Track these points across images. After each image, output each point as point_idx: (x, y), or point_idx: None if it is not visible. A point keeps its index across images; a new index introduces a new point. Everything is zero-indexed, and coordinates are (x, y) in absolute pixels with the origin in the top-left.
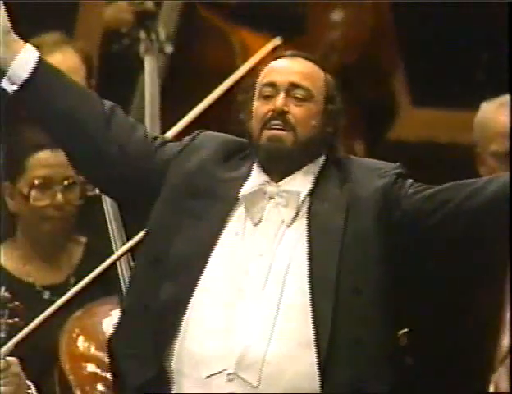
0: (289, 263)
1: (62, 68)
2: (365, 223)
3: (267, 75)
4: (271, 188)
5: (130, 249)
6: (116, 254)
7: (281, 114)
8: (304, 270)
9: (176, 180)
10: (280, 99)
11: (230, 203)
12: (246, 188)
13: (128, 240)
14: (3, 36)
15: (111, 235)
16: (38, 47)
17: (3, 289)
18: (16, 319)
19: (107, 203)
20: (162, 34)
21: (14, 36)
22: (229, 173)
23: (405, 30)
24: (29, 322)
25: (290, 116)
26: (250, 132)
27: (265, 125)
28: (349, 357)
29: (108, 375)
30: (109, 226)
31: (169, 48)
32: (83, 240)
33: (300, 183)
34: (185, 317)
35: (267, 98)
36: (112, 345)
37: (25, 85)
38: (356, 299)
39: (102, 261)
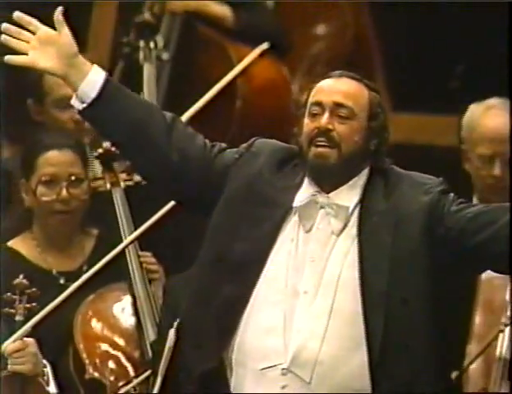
0: (340, 270)
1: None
2: (411, 238)
3: (315, 94)
4: (321, 199)
5: (137, 239)
6: (125, 241)
7: (325, 132)
8: (354, 279)
9: (236, 184)
10: (325, 118)
11: (286, 211)
12: (299, 198)
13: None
14: (72, 59)
15: (121, 229)
16: None
17: (22, 276)
18: (34, 304)
19: (118, 199)
20: (161, 43)
21: (81, 58)
22: (284, 181)
23: (385, 44)
24: (47, 305)
25: (334, 134)
26: (301, 145)
27: (311, 141)
28: (397, 362)
29: (119, 354)
30: (119, 220)
31: (166, 55)
32: (95, 232)
33: (348, 196)
34: (246, 313)
35: (314, 116)
36: (176, 337)
37: (94, 103)
38: (404, 308)
39: (112, 250)
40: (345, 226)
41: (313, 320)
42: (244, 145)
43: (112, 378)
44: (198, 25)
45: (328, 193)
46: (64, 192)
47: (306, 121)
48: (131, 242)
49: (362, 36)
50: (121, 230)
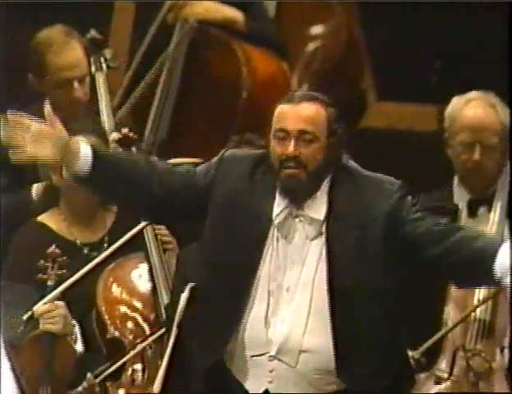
0: (315, 271)
1: (71, 61)
2: (375, 239)
3: (280, 120)
4: (296, 211)
5: None
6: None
7: (293, 158)
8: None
9: (218, 199)
10: (291, 146)
11: (267, 223)
12: (276, 211)
13: None
14: (65, 146)
15: None
16: (48, 43)
17: (54, 246)
18: (64, 271)
19: None
20: (108, 55)
21: (71, 141)
22: (258, 189)
23: (372, 41)
24: (72, 272)
25: (301, 158)
26: (272, 164)
27: (282, 164)
28: (359, 350)
29: (137, 315)
30: None
31: (114, 64)
32: (114, 208)
33: (319, 206)
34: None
35: (281, 139)
36: (182, 334)
37: (89, 173)
38: (367, 304)
39: (129, 225)
40: (319, 232)
41: (294, 314)
42: (215, 161)
43: (130, 337)
44: (209, 29)
45: (301, 203)
46: None
47: (273, 143)
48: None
49: (352, 35)
50: None
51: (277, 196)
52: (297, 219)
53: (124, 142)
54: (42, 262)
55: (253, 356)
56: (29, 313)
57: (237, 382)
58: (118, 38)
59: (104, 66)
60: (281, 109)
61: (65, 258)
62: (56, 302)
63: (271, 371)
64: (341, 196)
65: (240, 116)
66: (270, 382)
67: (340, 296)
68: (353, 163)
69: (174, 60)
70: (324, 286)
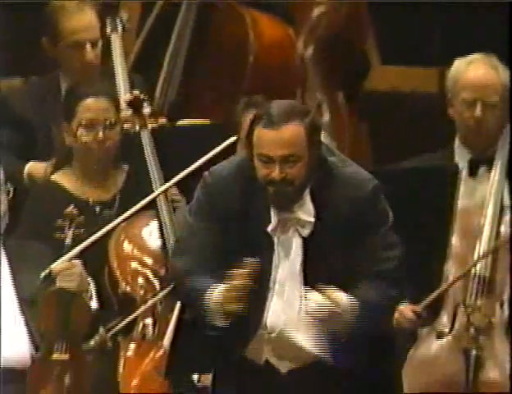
0: (303, 266)
1: (82, 24)
2: (349, 233)
3: (261, 145)
4: (287, 215)
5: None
6: (158, 190)
7: (281, 180)
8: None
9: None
10: (277, 170)
11: (267, 232)
12: (272, 222)
13: (161, 167)
14: None
15: (147, 163)
16: (61, 8)
17: (72, 206)
18: (81, 230)
19: (145, 139)
20: (124, 17)
21: None
22: (252, 202)
23: (376, 6)
24: (86, 230)
25: (288, 178)
26: (257, 174)
27: (269, 184)
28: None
29: (147, 271)
30: (146, 155)
31: (130, 26)
32: (125, 167)
33: (307, 208)
34: None
35: (265, 163)
36: None
37: None
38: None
39: (141, 183)
40: (311, 231)
41: (286, 307)
42: (200, 186)
43: (141, 293)
44: None
45: (292, 207)
46: (100, 134)
47: (258, 163)
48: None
49: (356, 2)
50: (149, 165)
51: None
52: (289, 222)
53: (134, 104)
54: (60, 221)
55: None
56: (47, 271)
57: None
58: (130, 2)
59: (120, 27)
60: (261, 134)
61: (82, 217)
62: (72, 261)
63: (268, 340)
64: (323, 196)
65: (248, 79)
66: (270, 350)
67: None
68: (332, 159)
69: (183, 23)
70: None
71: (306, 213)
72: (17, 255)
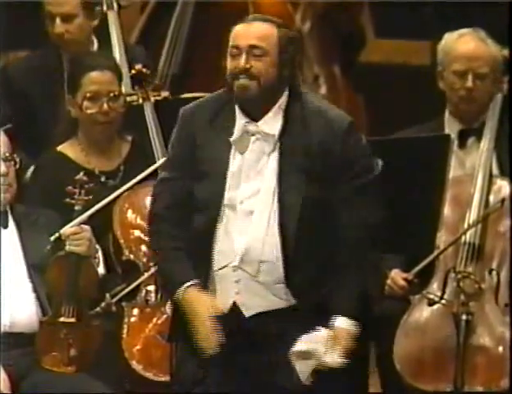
0: (270, 185)
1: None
2: (322, 158)
3: (233, 38)
4: (252, 127)
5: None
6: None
7: (245, 70)
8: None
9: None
10: (243, 59)
11: (228, 148)
12: (235, 132)
13: (164, 138)
14: None
15: (150, 135)
16: None
17: (82, 173)
18: (90, 197)
19: (148, 111)
20: None
21: None
22: (219, 135)
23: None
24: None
25: (252, 70)
26: (227, 81)
27: (234, 77)
28: (307, 260)
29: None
30: (149, 127)
31: (125, 3)
32: (129, 138)
33: (274, 122)
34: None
35: (234, 56)
36: None
37: None
38: (315, 218)
39: (144, 154)
40: (274, 147)
41: (253, 226)
42: (176, 127)
43: (144, 260)
44: None
45: (257, 121)
46: (105, 106)
47: (228, 60)
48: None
49: None
50: (151, 136)
51: (236, 117)
52: (253, 137)
53: (137, 77)
54: (70, 187)
55: (220, 269)
56: (57, 234)
57: None
58: None
59: (115, 5)
60: (235, 29)
61: (92, 184)
62: (82, 225)
63: (236, 281)
64: (295, 115)
65: None
66: (237, 293)
67: (288, 210)
68: (311, 95)
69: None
70: (275, 200)
71: (270, 126)
72: (26, 222)
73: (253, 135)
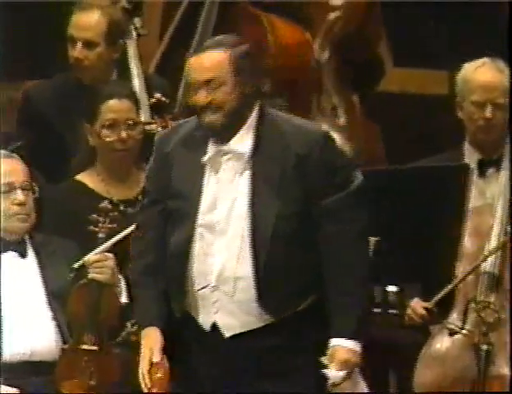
0: (248, 206)
1: (82, 23)
2: (293, 176)
3: (189, 72)
4: (223, 147)
5: None
6: None
7: (206, 105)
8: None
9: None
10: (201, 95)
11: (203, 167)
12: (208, 153)
13: None
14: None
15: None
16: (78, 5)
17: (106, 201)
18: (115, 225)
19: None
20: (138, 23)
21: None
22: (196, 147)
23: (390, 10)
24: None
25: (214, 102)
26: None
27: (200, 112)
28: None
29: None
30: None
31: (144, 32)
32: (147, 167)
33: (244, 141)
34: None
35: (195, 89)
36: None
37: None
38: (287, 240)
39: None
40: (246, 166)
41: (228, 246)
42: (153, 149)
43: None
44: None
45: (227, 140)
46: (123, 133)
47: (192, 93)
48: None
49: (372, 6)
50: None
51: (210, 140)
52: (225, 156)
53: (156, 106)
54: (94, 215)
55: (199, 289)
56: (81, 262)
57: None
58: (150, 6)
59: (134, 33)
60: (190, 61)
61: (116, 213)
62: (106, 253)
63: (214, 302)
64: (267, 133)
65: (269, 79)
66: (215, 313)
67: (261, 227)
68: (277, 112)
69: (205, 25)
70: (248, 218)
71: (241, 145)
72: (45, 251)
73: (224, 154)
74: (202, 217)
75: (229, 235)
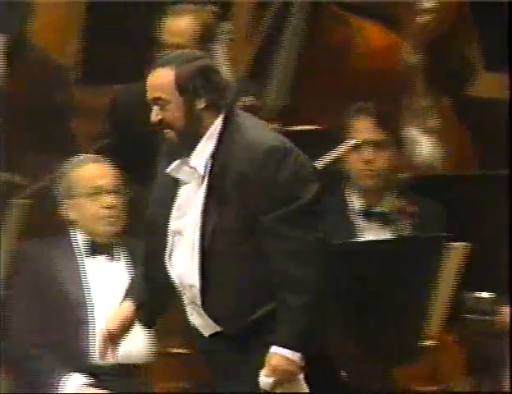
0: (200, 217)
1: (173, 29)
2: (236, 190)
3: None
4: (183, 160)
5: None
6: None
7: (158, 122)
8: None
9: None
10: (153, 113)
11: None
12: (173, 164)
13: None
14: None
15: None
16: (170, 12)
17: None
18: None
19: None
20: (226, 28)
21: None
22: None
23: (480, 13)
24: None
25: (164, 121)
26: None
27: (155, 128)
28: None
29: None
30: None
31: (232, 36)
32: None
33: (201, 157)
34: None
35: (151, 106)
36: None
37: None
38: (234, 250)
39: None
40: (203, 178)
41: (184, 254)
42: None
43: None
44: (323, 2)
45: (188, 154)
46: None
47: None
48: None
49: (462, 10)
50: None
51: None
52: (186, 167)
53: (248, 110)
54: None
55: (179, 291)
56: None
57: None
58: (239, 11)
59: (222, 37)
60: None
61: None
62: None
63: (187, 305)
64: (225, 147)
65: (355, 86)
66: (191, 315)
67: (208, 238)
68: (244, 121)
69: (292, 30)
70: (198, 228)
71: (198, 159)
72: (135, 254)
73: (186, 165)
74: (172, 224)
75: (186, 244)
